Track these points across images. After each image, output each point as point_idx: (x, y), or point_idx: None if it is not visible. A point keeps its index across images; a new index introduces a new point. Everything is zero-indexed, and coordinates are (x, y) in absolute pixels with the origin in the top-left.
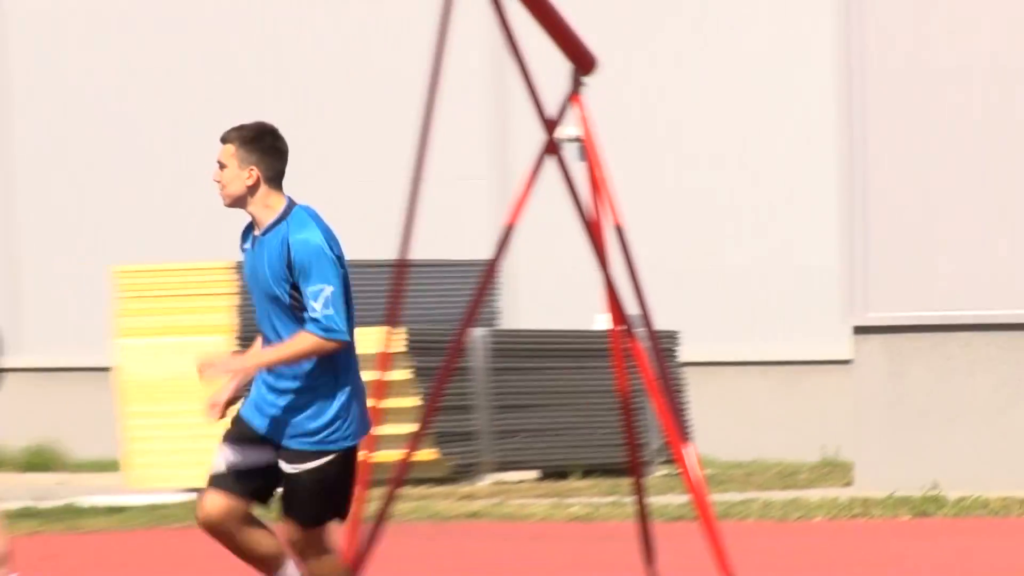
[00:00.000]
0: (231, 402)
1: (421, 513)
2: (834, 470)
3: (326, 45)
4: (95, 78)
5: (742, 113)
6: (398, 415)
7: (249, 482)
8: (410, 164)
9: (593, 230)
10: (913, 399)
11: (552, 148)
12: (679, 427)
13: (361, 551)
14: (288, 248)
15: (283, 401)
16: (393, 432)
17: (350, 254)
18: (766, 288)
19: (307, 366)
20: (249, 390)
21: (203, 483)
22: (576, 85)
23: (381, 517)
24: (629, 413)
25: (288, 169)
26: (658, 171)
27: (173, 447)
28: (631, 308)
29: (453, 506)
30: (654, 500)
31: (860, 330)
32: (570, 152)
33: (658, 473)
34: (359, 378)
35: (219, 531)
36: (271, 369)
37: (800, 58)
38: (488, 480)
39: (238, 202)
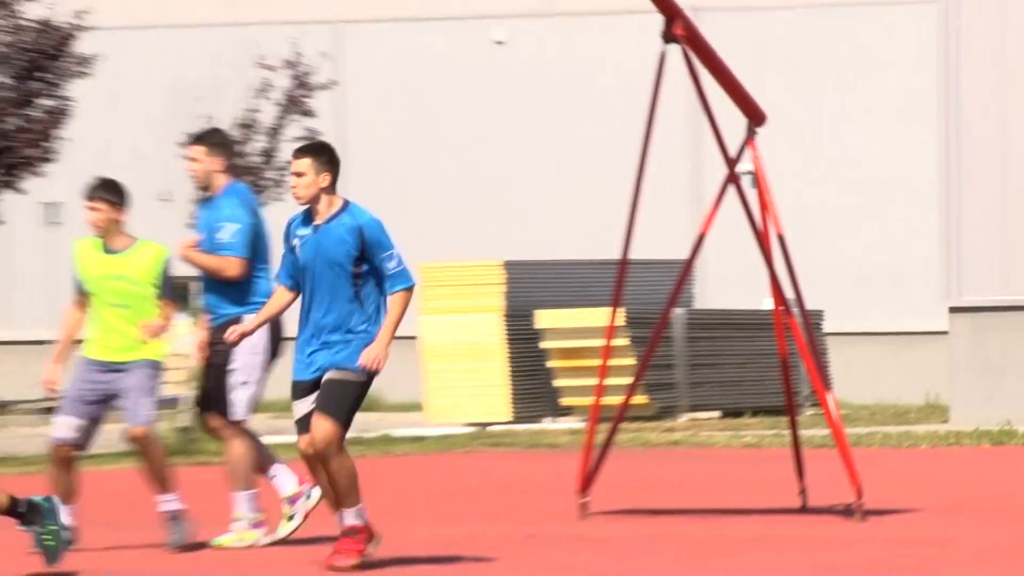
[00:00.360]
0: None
1: (635, 442)
2: (934, 411)
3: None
4: (412, 105)
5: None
6: (619, 371)
7: None
8: (631, 188)
9: (762, 237)
10: (993, 360)
11: (733, 178)
12: (823, 379)
13: (592, 469)
14: (361, 229)
15: (340, 349)
16: (615, 383)
17: (590, 255)
18: (886, 279)
19: (359, 326)
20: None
21: (476, 419)
22: (750, 133)
23: (607, 444)
24: (787, 369)
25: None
26: (806, 192)
27: (458, 393)
28: (789, 293)
29: (658, 436)
30: (804, 433)
31: (954, 310)
32: (746, 181)
33: (807, 413)
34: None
35: (313, 460)
36: (317, 334)
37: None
38: (684, 418)
39: (311, 201)
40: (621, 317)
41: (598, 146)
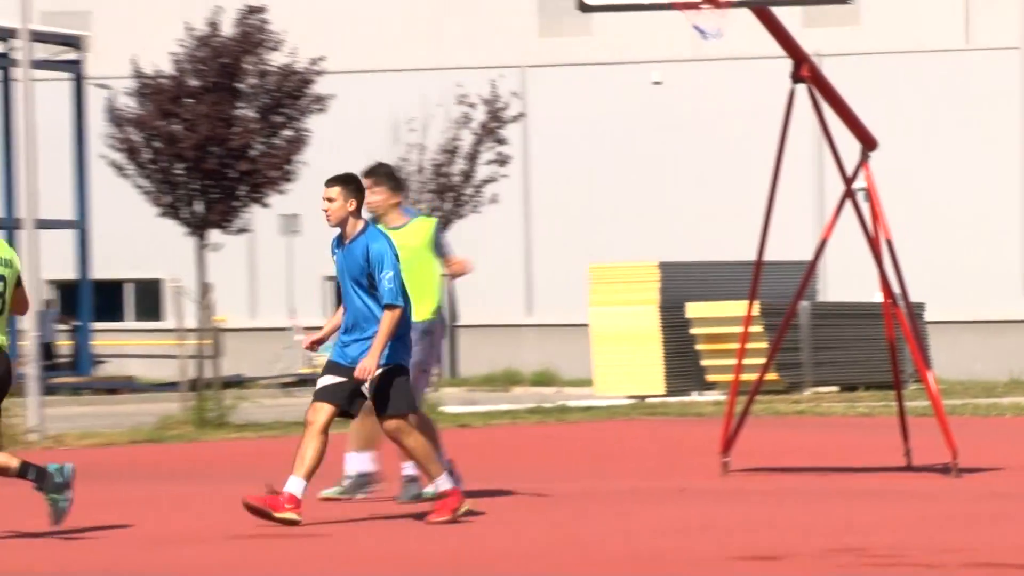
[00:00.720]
0: (319, 342)
1: (768, 411)
2: (1018, 386)
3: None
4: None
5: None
6: (754, 353)
7: (334, 396)
8: (764, 202)
9: (873, 242)
10: None
11: (849, 193)
12: (924, 360)
13: (731, 434)
14: (367, 251)
15: (360, 346)
16: (751, 363)
17: (730, 257)
18: (977, 277)
19: (371, 329)
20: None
21: (636, 392)
22: (864, 157)
23: (744, 413)
24: (894, 351)
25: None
26: (913, 204)
27: (622, 371)
28: (896, 288)
29: (787, 407)
30: (908, 404)
31: None
32: (860, 196)
33: (910, 388)
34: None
35: (311, 427)
36: (347, 331)
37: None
38: (808, 392)
39: (341, 223)
40: (756, 308)
41: (737, 167)
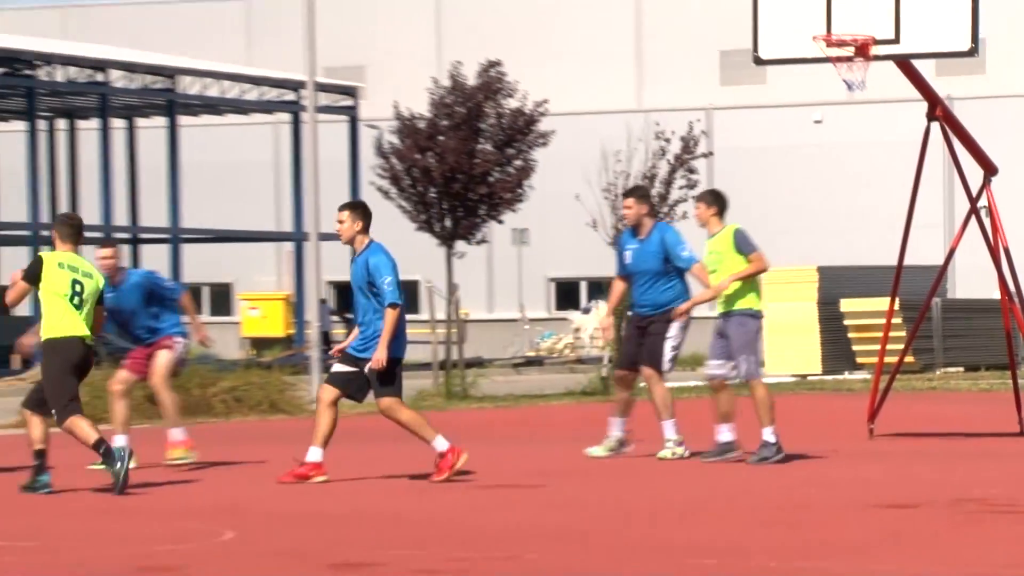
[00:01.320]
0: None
1: (906, 387)
2: None
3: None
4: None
5: None
6: (895, 340)
7: (340, 382)
8: (905, 217)
9: (993, 251)
10: None
11: (974, 210)
12: None
13: (876, 405)
14: (367, 263)
15: (369, 343)
16: (892, 348)
17: (876, 261)
18: None
19: (373, 326)
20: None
21: (798, 372)
22: (986, 180)
23: (887, 389)
24: (1009, 338)
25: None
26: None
27: (787, 355)
28: (1011, 287)
29: (921, 384)
30: (1022, 382)
31: None
32: (983, 212)
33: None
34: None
35: (326, 406)
36: (361, 332)
37: None
38: (939, 371)
39: (350, 240)
40: (897, 304)
41: (880, 189)
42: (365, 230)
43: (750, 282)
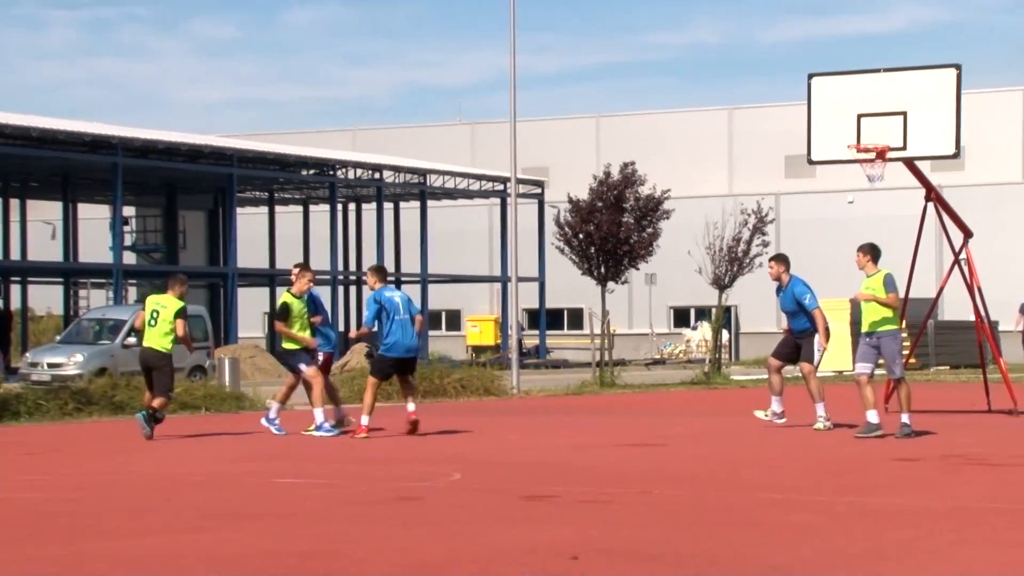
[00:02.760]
0: (370, 354)
1: (909, 379)
2: None
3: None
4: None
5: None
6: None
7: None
8: (907, 271)
9: (969, 287)
10: None
11: (957, 260)
12: (998, 351)
13: (890, 392)
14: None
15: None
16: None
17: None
18: None
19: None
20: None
21: (847, 369)
22: (965, 240)
23: None
24: (981, 347)
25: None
26: (990, 267)
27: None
28: (982, 311)
29: (921, 377)
30: (990, 376)
31: None
32: (962, 262)
33: (991, 367)
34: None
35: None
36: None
37: None
38: (932, 369)
39: (372, 287)
40: (904, 323)
41: (895, 246)
42: (382, 280)
43: (892, 311)
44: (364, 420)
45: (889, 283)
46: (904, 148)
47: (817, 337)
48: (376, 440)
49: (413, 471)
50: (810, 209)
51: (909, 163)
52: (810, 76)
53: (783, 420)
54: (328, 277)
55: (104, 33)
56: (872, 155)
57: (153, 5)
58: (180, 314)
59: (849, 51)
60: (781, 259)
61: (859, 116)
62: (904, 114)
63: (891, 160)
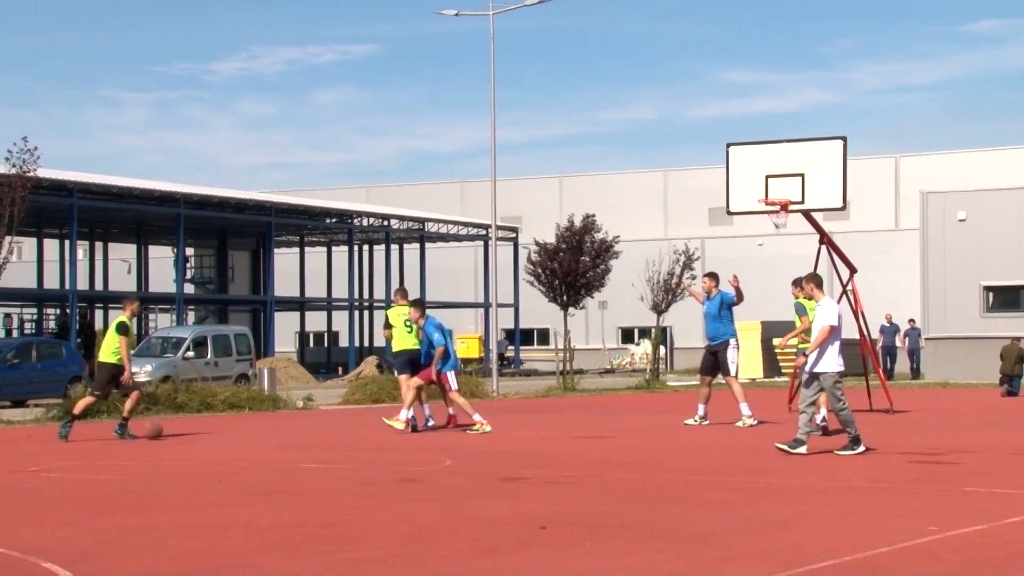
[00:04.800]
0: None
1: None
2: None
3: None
4: None
5: (884, 280)
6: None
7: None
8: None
9: (855, 312)
10: None
11: (844, 291)
12: (877, 362)
13: (792, 394)
14: (429, 327)
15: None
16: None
17: (792, 318)
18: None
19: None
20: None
21: (745, 377)
22: (851, 275)
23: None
24: (864, 360)
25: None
26: (869, 295)
27: (744, 366)
28: (864, 330)
29: None
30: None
31: None
32: (848, 293)
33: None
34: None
35: (409, 380)
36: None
37: None
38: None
39: (416, 323)
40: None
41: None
42: (424, 312)
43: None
44: (403, 415)
45: (798, 308)
46: (802, 202)
47: (731, 351)
48: (384, 432)
49: (414, 458)
50: (729, 250)
51: (806, 213)
52: (728, 145)
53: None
54: (346, 303)
55: (169, 111)
56: (777, 207)
57: (208, 88)
58: (119, 330)
59: (760, 125)
60: (712, 276)
61: (767, 176)
62: (802, 175)
63: (792, 211)
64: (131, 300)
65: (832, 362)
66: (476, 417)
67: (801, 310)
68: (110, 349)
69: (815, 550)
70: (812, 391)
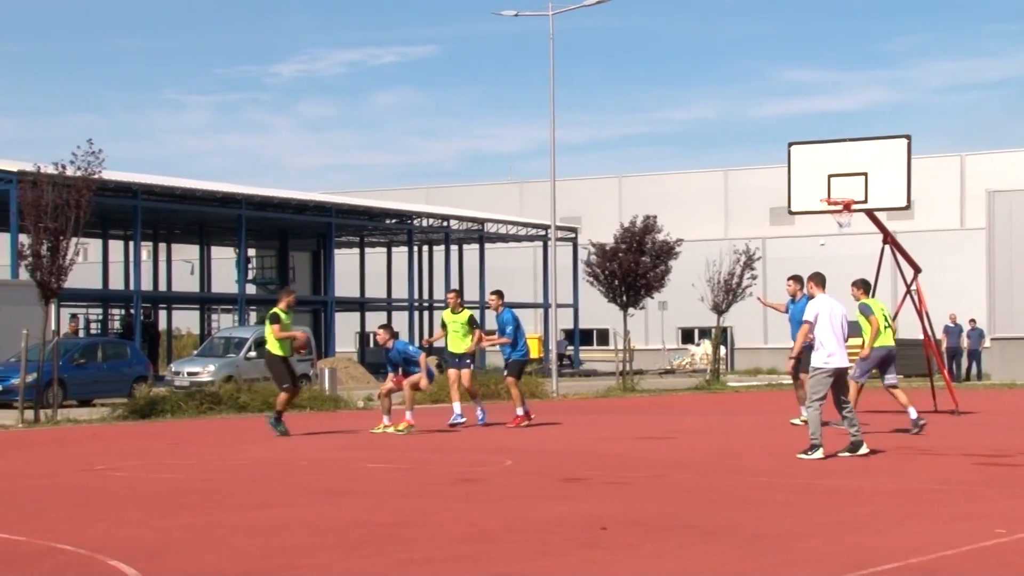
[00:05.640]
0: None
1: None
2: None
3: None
4: None
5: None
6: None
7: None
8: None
9: (919, 311)
10: None
11: (908, 290)
12: (941, 363)
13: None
14: (501, 318)
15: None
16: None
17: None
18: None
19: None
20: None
21: None
22: (915, 275)
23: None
24: (929, 361)
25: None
26: (935, 294)
27: None
28: (929, 331)
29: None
30: (937, 384)
31: None
32: (912, 292)
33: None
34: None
35: (457, 380)
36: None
37: None
38: None
39: (499, 308)
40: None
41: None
42: (503, 300)
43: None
44: (519, 411)
45: (865, 310)
46: (866, 201)
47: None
48: (442, 433)
49: (474, 459)
50: (790, 250)
51: (870, 213)
52: (790, 144)
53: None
54: (406, 304)
55: (231, 113)
56: (840, 207)
57: (269, 91)
58: (272, 319)
59: (821, 124)
60: (796, 279)
61: (829, 176)
62: (865, 174)
63: (855, 211)
64: (288, 291)
65: (817, 358)
66: (409, 416)
67: (867, 311)
68: (271, 341)
69: (879, 552)
70: (839, 391)
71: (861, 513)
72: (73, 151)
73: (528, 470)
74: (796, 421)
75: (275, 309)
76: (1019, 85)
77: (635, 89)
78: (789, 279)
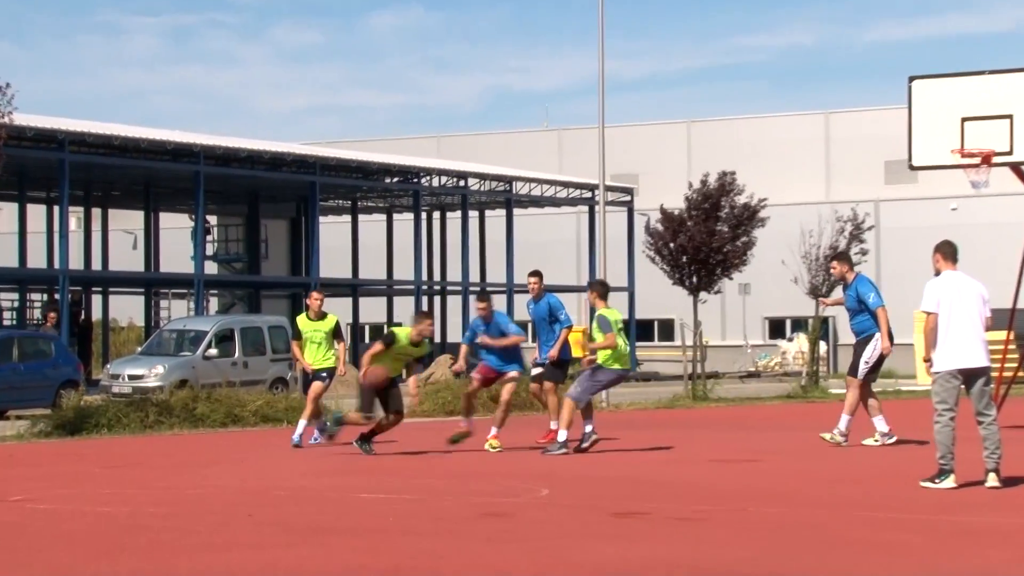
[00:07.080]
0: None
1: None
2: None
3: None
4: None
5: None
6: (1010, 361)
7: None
8: (1015, 272)
9: None
10: None
11: None
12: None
13: (1000, 401)
14: (549, 304)
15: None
16: (1008, 366)
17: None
18: None
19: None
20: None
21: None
22: None
23: (1007, 391)
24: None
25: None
26: None
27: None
28: None
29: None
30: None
31: None
32: None
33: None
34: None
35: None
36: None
37: None
38: None
39: (538, 296)
40: (1013, 334)
41: (997, 253)
42: (542, 283)
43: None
44: (554, 425)
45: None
46: (1011, 152)
47: (870, 344)
48: (461, 455)
49: (501, 486)
50: (911, 216)
51: (1016, 168)
52: (911, 79)
53: (892, 439)
54: (412, 287)
55: (186, 40)
56: (977, 160)
57: (236, 12)
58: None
59: (951, 52)
60: (843, 257)
61: (963, 120)
62: (1011, 117)
63: (996, 165)
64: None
65: (940, 356)
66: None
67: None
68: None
69: None
70: (979, 401)
71: (1003, 559)
72: None
73: (570, 502)
74: (827, 436)
75: (399, 330)
76: None
77: (708, 8)
78: (833, 260)
